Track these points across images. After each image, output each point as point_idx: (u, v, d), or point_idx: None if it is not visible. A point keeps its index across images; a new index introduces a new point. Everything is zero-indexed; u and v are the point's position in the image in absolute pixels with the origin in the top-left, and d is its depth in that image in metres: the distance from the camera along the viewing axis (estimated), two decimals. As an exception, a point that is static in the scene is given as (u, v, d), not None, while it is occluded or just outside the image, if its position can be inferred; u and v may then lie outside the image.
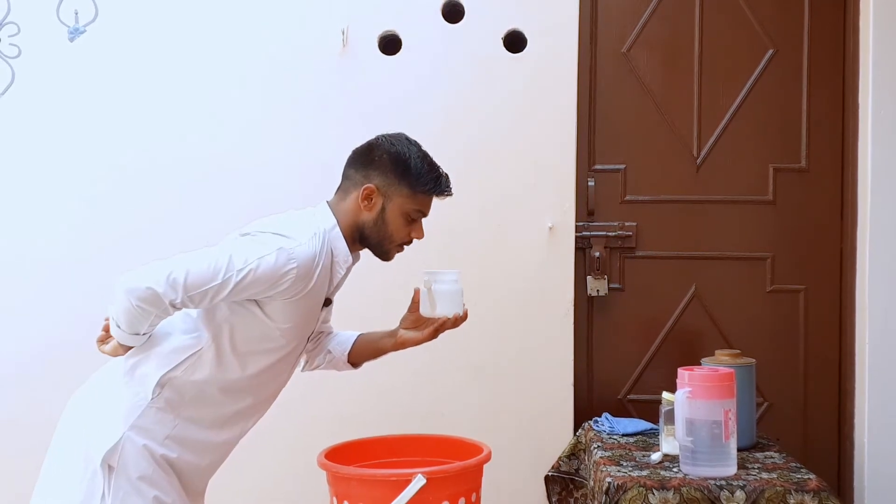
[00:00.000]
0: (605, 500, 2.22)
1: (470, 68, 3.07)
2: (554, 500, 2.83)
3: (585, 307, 3.13)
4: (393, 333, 2.20)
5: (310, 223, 1.99)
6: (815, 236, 3.11)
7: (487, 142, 3.06)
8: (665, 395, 2.49)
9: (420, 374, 3.05)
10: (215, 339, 1.98)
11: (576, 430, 2.99)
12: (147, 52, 3.11)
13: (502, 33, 3.07)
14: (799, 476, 2.29)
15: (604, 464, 2.41)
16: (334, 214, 2.04)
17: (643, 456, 2.48)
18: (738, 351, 2.68)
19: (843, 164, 3.08)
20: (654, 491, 2.20)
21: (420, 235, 2.09)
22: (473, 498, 2.30)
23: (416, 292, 2.13)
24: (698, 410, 2.24)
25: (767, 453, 2.54)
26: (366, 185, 2.02)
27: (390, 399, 3.05)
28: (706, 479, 2.22)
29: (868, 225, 2.93)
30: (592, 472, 2.52)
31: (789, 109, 3.11)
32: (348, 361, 2.27)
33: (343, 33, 3.06)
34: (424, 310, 2.10)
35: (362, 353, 2.27)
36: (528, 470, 3.01)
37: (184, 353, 1.97)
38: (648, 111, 3.13)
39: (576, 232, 3.07)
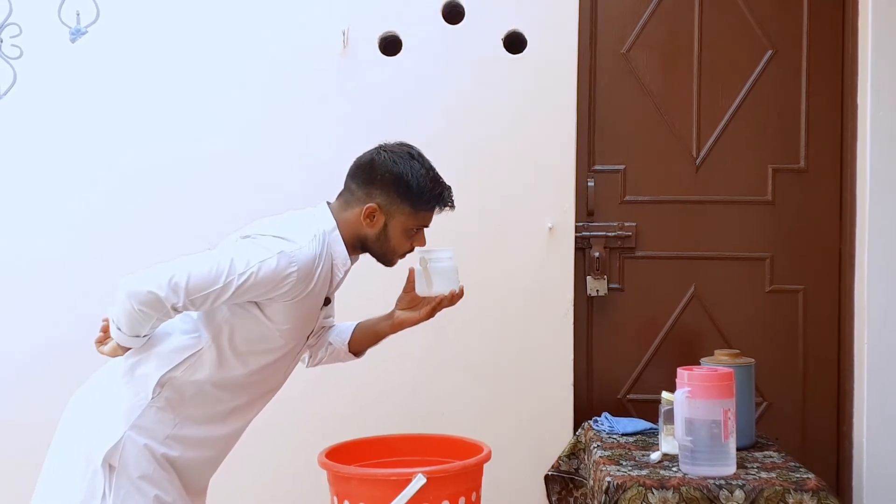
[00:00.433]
0: (605, 499, 2.23)
1: (470, 69, 3.07)
2: (554, 499, 2.84)
3: (585, 307, 3.14)
4: (390, 316, 2.20)
5: (310, 224, 1.99)
6: (814, 236, 3.11)
7: (487, 142, 3.07)
8: (664, 394, 2.49)
9: (420, 374, 3.06)
10: (215, 340, 1.98)
11: (575, 429, 3.00)
12: (148, 52, 3.11)
13: (502, 34, 3.07)
14: (798, 475, 2.30)
15: (603, 463, 2.41)
16: (335, 218, 2.04)
17: (643, 455, 2.49)
18: (738, 351, 2.68)
19: (841, 165, 3.09)
20: (654, 490, 2.20)
21: (422, 244, 2.10)
22: (473, 497, 2.31)
23: (412, 272, 2.13)
24: (698, 410, 2.24)
25: (766, 453, 2.54)
26: (368, 204, 2.01)
27: (390, 399, 3.05)
28: (705, 478, 2.23)
29: (867, 225, 2.94)
30: (592, 472, 2.52)
31: (788, 110, 3.11)
32: (350, 351, 2.27)
33: (343, 34, 3.07)
34: (420, 289, 2.10)
35: (362, 340, 2.26)
36: (527, 469, 3.02)
37: (184, 353, 1.98)
38: (648, 111, 3.14)
39: (575, 232, 3.07)
